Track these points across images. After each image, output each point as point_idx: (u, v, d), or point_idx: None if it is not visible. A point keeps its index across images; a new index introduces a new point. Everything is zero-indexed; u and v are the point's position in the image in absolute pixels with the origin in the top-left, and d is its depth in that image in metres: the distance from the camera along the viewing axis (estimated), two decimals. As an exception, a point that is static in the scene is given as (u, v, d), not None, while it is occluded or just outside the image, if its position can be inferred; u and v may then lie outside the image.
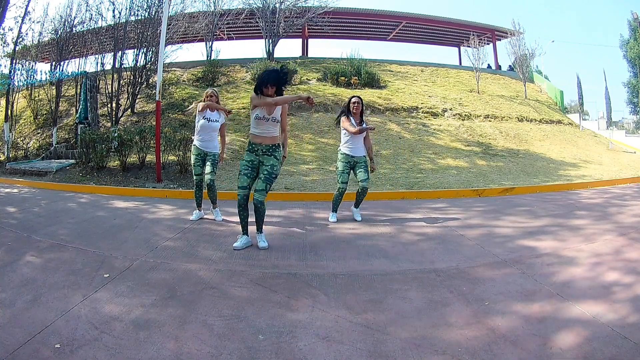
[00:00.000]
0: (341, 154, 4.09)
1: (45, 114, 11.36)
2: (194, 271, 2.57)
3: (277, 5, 14.39)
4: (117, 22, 10.09)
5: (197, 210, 4.17)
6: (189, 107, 4.48)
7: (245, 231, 3.17)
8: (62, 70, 11.05)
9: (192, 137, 7.00)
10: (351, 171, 4.08)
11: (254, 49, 47.51)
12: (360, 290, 2.27)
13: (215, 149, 4.09)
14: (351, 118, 4.07)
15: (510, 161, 8.81)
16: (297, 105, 9.86)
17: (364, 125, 4.09)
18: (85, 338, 1.70)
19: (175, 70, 13.53)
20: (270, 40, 14.58)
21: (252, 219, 3.16)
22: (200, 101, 4.16)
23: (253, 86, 3.15)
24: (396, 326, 1.84)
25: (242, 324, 1.86)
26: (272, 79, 2.97)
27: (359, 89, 12.05)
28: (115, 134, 7.51)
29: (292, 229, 3.80)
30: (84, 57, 11.40)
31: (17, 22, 10.45)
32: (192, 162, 4.10)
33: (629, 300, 2.05)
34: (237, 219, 4.20)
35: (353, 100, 4.12)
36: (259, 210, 3.08)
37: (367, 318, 1.92)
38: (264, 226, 3.19)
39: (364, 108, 4.19)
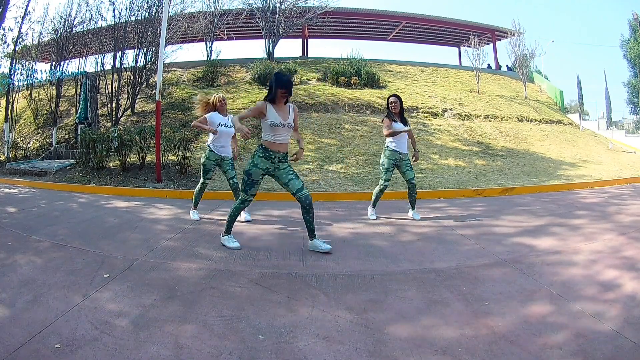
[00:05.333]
0: (389, 150, 4.16)
1: (45, 114, 11.36)
2: (194, 271, 2.57)
3: (277, 5, 14.39)
4: (117, 22, 10.12)
5: (195, 210, 4.27)
6: (194, 103, 4.45)
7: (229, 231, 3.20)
8: (62, 70, 11.06)
9: (192, 137, 7.08)
10: (396, 169, 4.21)
11: (254, 49, 47.74)
12: (360, 290, 2.27)
13: (230, 153, 4.22)
14: (393, 117, 4.18)
15: (510, 161, 8.81)
16: (296, 106, 9.84)
17: (407, 124, 4.21)
18: (85, 338, 1.70)
19: (175, 70, 13.53)
20: (270, 40, 14.58)
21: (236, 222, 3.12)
22: (205, 103, 4.18)
23: (253, 86, 3.14)
24: (396, 326, 1.84)
25: (242, 324, 1.86)
26: (285, 83, 2.94)
27: (359, 89, 12.04)
28: (115, 134, 7.52)
29: (292, 229, 3.80)
30: (84, 57, 11.43)
31: (17, 22, 10.50)
32: (206, 165, 4.07)
33: (629, 299, 2.05)
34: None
35: (391, 100, 4.23)
36: (312, 209, 2.98)
37: (367, 318, 1.92)
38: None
39: (403, 107, 4.30)
